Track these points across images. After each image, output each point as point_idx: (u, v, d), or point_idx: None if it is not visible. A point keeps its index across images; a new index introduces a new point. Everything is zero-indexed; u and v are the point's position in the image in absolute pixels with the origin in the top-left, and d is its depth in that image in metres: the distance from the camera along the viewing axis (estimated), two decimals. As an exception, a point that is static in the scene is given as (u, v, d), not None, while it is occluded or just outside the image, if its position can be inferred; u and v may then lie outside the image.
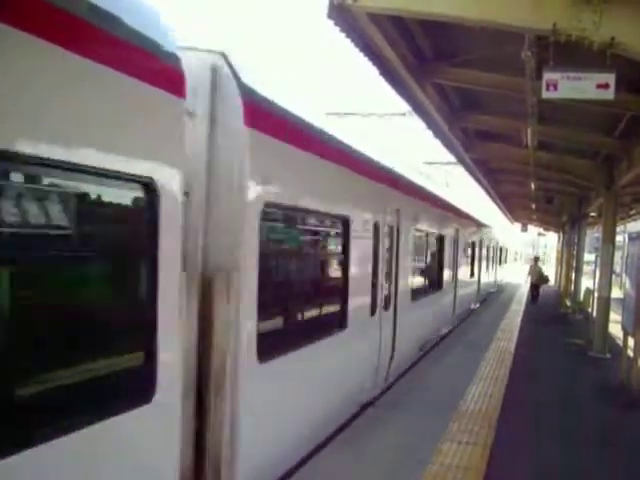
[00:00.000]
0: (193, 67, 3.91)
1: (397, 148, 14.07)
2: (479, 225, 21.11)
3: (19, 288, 2.68)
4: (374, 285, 7.89)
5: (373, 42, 7.28)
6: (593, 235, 22.91)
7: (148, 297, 3.41)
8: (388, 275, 8.62)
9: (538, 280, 24.36)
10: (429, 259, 12.75)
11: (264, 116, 4.72)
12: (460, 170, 20.69)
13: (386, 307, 8.49)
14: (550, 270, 43.94)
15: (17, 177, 2.71)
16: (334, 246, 7.08)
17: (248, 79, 4.50)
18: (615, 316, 13.65)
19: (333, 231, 6.96)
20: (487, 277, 25.12)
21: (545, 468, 6.09)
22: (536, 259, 26.36)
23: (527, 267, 47.32)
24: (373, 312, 7.88)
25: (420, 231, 11.18)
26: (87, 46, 2.87)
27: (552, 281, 35.21)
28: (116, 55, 3.06)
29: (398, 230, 8.90)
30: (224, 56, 4.36)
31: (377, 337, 8.11)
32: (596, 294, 13.31)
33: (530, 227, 41.63)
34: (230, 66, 4.35)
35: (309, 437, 5.85)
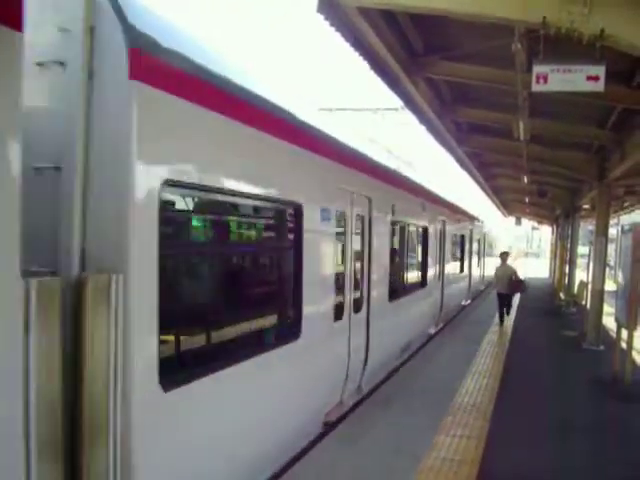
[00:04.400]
0: None
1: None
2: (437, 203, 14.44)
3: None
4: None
5: (363, 36, 7.27)
6: (587, 228, 22.90)
7: None
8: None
9: (510, 288, 15.67)
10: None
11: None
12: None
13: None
14: (545, 264, 44.14)
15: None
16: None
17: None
18: (609, 308, 13.69)
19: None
20: (459, 284, 19.10)
21: (540, 459, 6.11)
22: (504, 256, 16.49)
23: (519, 263, 45.87)
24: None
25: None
26: None
27: (546, 274, 35.28)
28: None
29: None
30: None
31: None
32: (590, 287, 13.35)
33: (524, 221, 41.76)
34: None
35: None
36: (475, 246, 23.37)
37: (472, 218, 21.96)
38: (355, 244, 7.79)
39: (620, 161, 11.28)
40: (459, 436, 6.63)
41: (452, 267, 17.22)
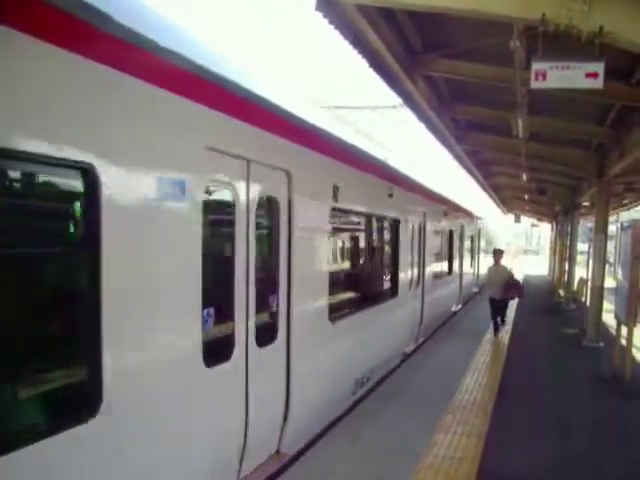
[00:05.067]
0: None
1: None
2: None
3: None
4: None
5: (362, 34, 7.26)
6: (586, 225, 22.86)
7: None
8: None
9: (504, 292, 13.20)
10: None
11: None
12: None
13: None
14: (544, 261, 44.12)
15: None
16: None
17: None
18: (608, 305, 13.69)
19: None
20: (447, 288, 16.77)
21: (540, 457, 6.12)
22: (498, 255, 13.96)
23: (518, 260, 45.12)
24: None
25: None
26: None
27: (545, 272, 35.22)
28: None
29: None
30: None
31: None
32: (589, 284, 13.35)
33: (523, 218, 41.78)
34: None
35: None
36: (467, 243, 21.05)
37: (464, 211, 19.52)
38: (257, 240, 5.21)
39: (619, 158, 11.27)
40: (459, 434, 6.64)
41: (437, 269, 14.87)
